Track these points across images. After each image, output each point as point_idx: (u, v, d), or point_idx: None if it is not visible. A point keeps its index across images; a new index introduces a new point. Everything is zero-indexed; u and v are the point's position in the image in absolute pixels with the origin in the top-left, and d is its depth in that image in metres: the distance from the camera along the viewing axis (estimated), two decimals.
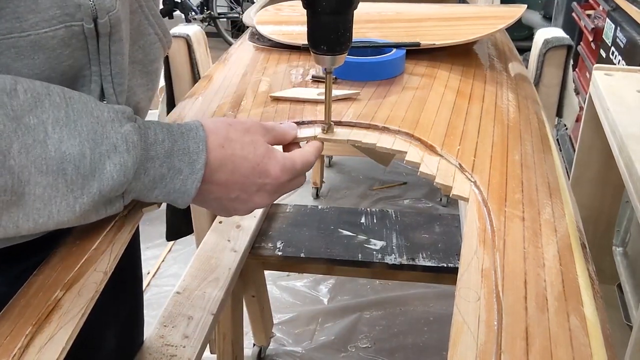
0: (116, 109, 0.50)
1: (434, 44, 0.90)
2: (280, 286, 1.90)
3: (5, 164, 0.42)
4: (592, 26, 2.06)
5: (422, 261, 1.29)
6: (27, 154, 0.44)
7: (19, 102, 0.44)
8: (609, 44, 1.85)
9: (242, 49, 1.03)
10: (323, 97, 0.66)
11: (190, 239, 1.34)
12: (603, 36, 1.94)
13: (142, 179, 0.51)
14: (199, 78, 1.04)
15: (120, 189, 0.49)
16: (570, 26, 2.37)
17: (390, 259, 1.30)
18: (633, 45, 1.63)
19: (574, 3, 2.39)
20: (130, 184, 0.50)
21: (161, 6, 4.47)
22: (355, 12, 0.59)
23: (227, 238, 1.26)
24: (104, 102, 0.53)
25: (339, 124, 0.70)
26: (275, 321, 1.73)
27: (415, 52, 0.90)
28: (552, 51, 1.00)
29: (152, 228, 1.99)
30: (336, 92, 0.75)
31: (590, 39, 2.10)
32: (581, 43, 2.26)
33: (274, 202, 1.52)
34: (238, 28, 4.79)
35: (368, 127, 0.69)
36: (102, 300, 0.50)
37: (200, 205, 0.58)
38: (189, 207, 0.57)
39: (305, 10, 0.58)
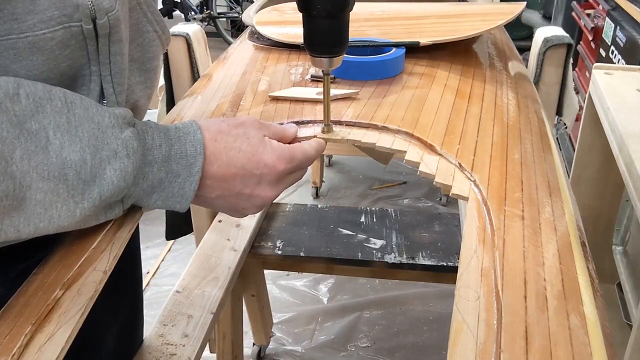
0: (116, 113, 0.50)
1: (434, 41, 0.90)
2: (280, 285, 1.90)
3: (8, 169, 0.42)
4: (592, 25, 2.06)
5: (421, 260, 1.29)
6: (29, 160, 0.44)
7: (21, 107, 0.44)
8: (609, 43, 1.85)
9: (242, 48, 1.03)
10: (322, 96, 0.66)
11: (189, 238, 1.34)
12: (603, 35, 1.94)
13: (141, 184, 0.51)
14: (199, 77, 1.04)
15: (120, 194, 0.49)
16: (569, 25, 2.36)
17: (390, 258, 1.30)
18: (633, 44, 1.63)
19: (574, 2, 2.39)
20: (130, 189, 0.50)
21: (161, 6, 4.47)
22: (354, 10, 0.58)
23: (226, 237, 1.26)
24: (103, 103, 0.53)
25: (339, 123, 0.69)
26: (275, 320, 1.73)
27: (415, 51, 0.89)
28: (552, 50, 1.00)
29: (152, 227, 1.99)
30: (335, 91, 0.75)
31: (590, 38, 2.10)
32: (581, 42, 2.26)
33: (274, 202, 1.52)
34: (237, 27, 4.78)
35: (367, 126, 0.69)
36: (102, 299, 0.50)
37: (207, 207, 0.58)
38: None
39: None
